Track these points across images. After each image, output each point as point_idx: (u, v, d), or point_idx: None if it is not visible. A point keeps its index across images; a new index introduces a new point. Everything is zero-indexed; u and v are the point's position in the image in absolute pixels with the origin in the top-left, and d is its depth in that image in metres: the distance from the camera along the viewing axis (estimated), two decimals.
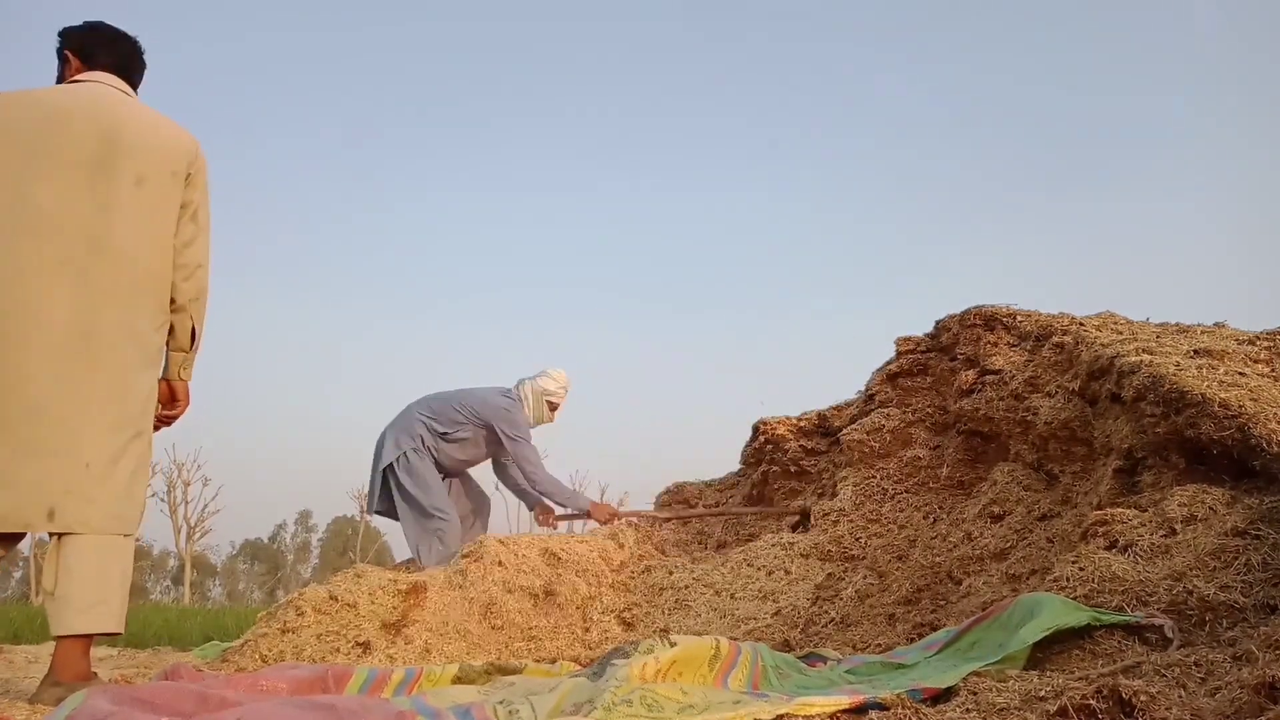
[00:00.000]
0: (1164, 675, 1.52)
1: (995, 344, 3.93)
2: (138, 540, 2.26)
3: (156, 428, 2.28)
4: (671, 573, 3.81)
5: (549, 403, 4.56)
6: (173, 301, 2.21)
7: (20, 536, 2.14)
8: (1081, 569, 2.11)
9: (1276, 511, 2.01)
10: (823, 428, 4.88)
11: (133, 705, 1.57)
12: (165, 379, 2.27)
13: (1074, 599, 1.99)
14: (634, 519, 4.64)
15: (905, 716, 1.53)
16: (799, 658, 2.40)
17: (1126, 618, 1.85)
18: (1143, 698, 1.29)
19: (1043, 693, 1.49)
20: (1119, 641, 1.79)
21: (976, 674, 1.73)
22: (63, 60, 2.23)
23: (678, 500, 5.85)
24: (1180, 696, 1.37)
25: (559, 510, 4.70)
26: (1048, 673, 1.70)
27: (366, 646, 3.17)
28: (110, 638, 2.27)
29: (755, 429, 5.24)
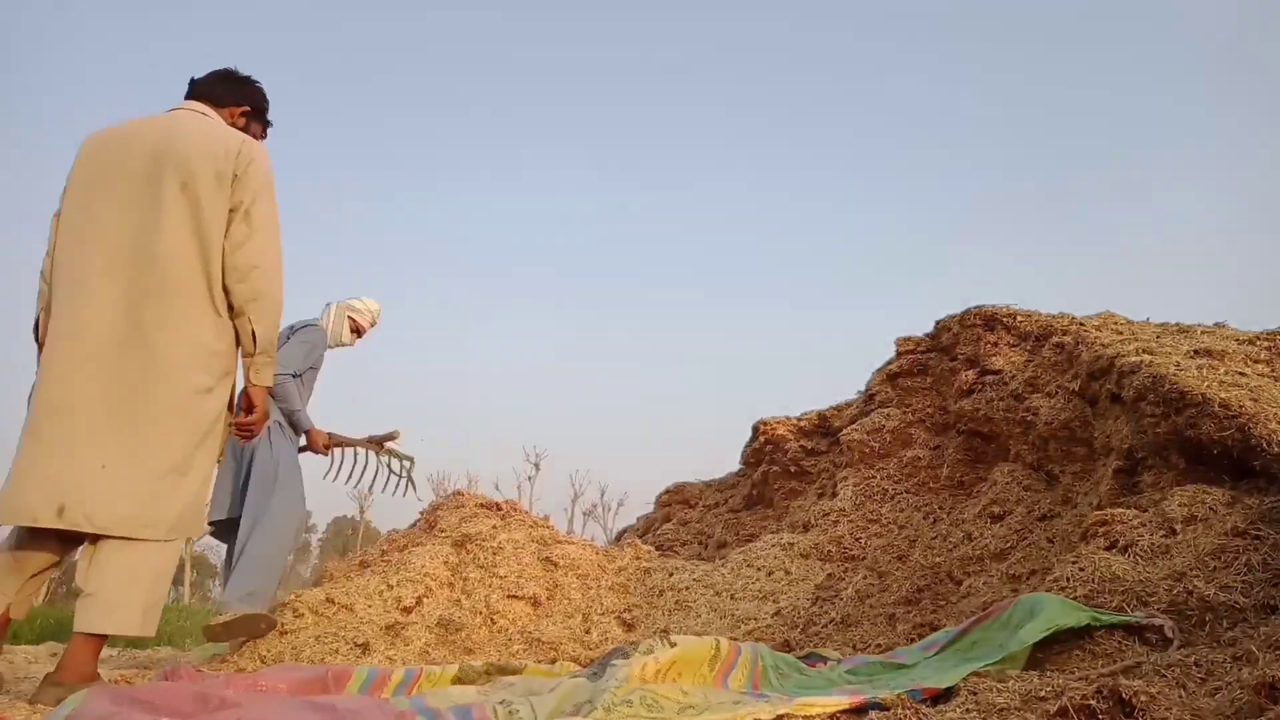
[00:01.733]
0: (1164, 675, 1.52)
1: (995, 344, 3.93)
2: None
3: (243, 435, 2.30)
4: (671, 574, 3.82)
5: (351, 319, 4.03)
6: (232, 307, 2.19)
7: (74, 539, 2.14)
8: (1082, 569, 2.11)
9: (1277, 512, 2.01)
10: (823, 428, 4.89)
11: (133, 706, 1.58)
12: (245, 386, 2.26)
13: (1074, 599, 1.99)
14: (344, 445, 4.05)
15: (906, 717, 1.53)
16: (799, 658, 2.40)
17: (1126, 618, 1.86)
18: (1143, 698, 1.30)
19: (1043, 693, 1.50)
20: (1119, 642, 1.79)
21: (977, 674, 1.73)
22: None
23: (677, 500, 5.86)
24: (1180, 697, 1.37)
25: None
26: (1048, 673, 1.71)
27: (365, 648, 3.17)
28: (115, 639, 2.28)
29: (755, 429, 5.24)
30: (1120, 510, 2.37)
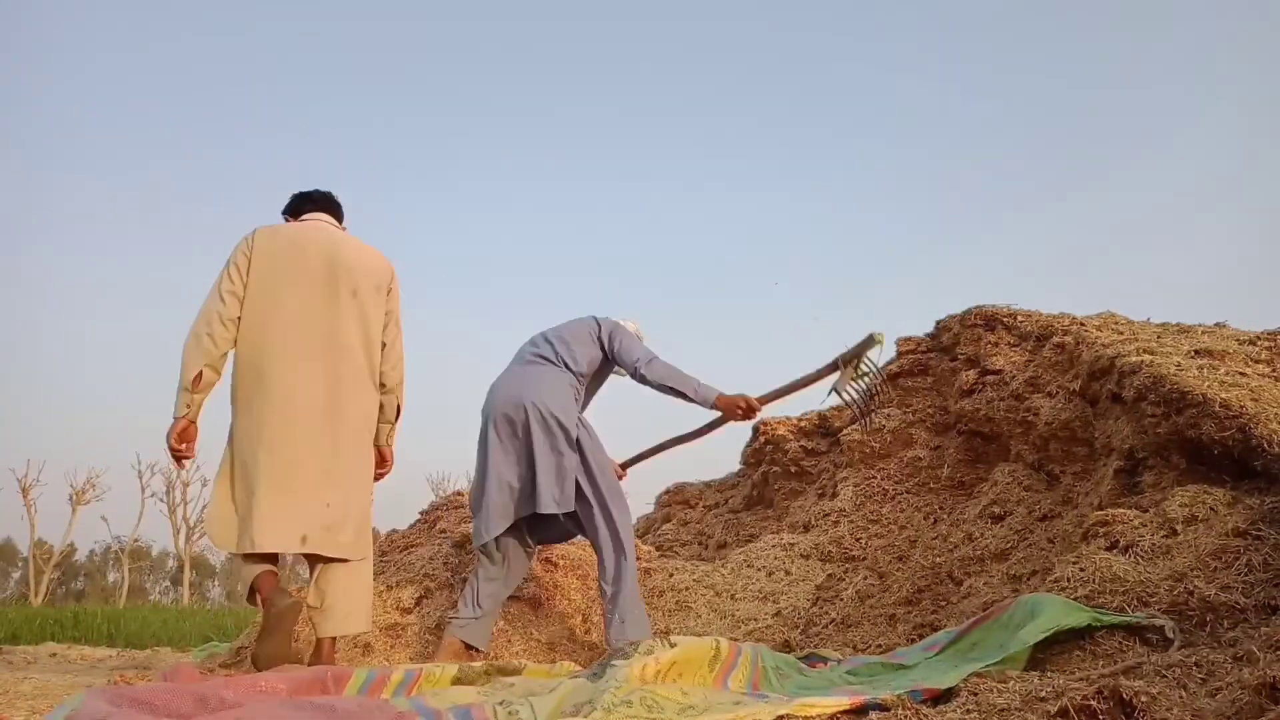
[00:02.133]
0: (1165, 676, 1.52)
1: (996, 344, 3.93)
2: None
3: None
4: (672, 575, 3.81)
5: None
6: (383, 385, 2.83)
7: (276, 557, 2.69)
8: (1082, 569, 2.11)
9: (1277, 512, 2.01)
10: (823, 428, 4.89)
11: (132, 706, 1.57)
12: (377, 445, 2.85)
13: (1075, 599, 1.99)
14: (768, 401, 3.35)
15: (906, 717, 1.53)
16: (799, 658, 2.40)
17: (1127, 619, 1.85)
18: (1143, 698, 1.29)
19: (1043, 693, 1.49)
20: (1120, 642, 1.79)
21: (977, 675, 1.73)
22: (286, 217, 2.95)
23: (677, 500, 5.86)
24: (1181, 697, 1.37)
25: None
26: (1048, 673, 1.70)
27: (365, 648, 3.17)
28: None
29: (755, 429, 5.24)
30: (1121, 510, 2.36)
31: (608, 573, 2.98)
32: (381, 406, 2.84)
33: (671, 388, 3.15)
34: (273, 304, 2.62)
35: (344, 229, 2.92)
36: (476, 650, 3.00)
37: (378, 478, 2.86)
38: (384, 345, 2.82)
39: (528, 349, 3.29)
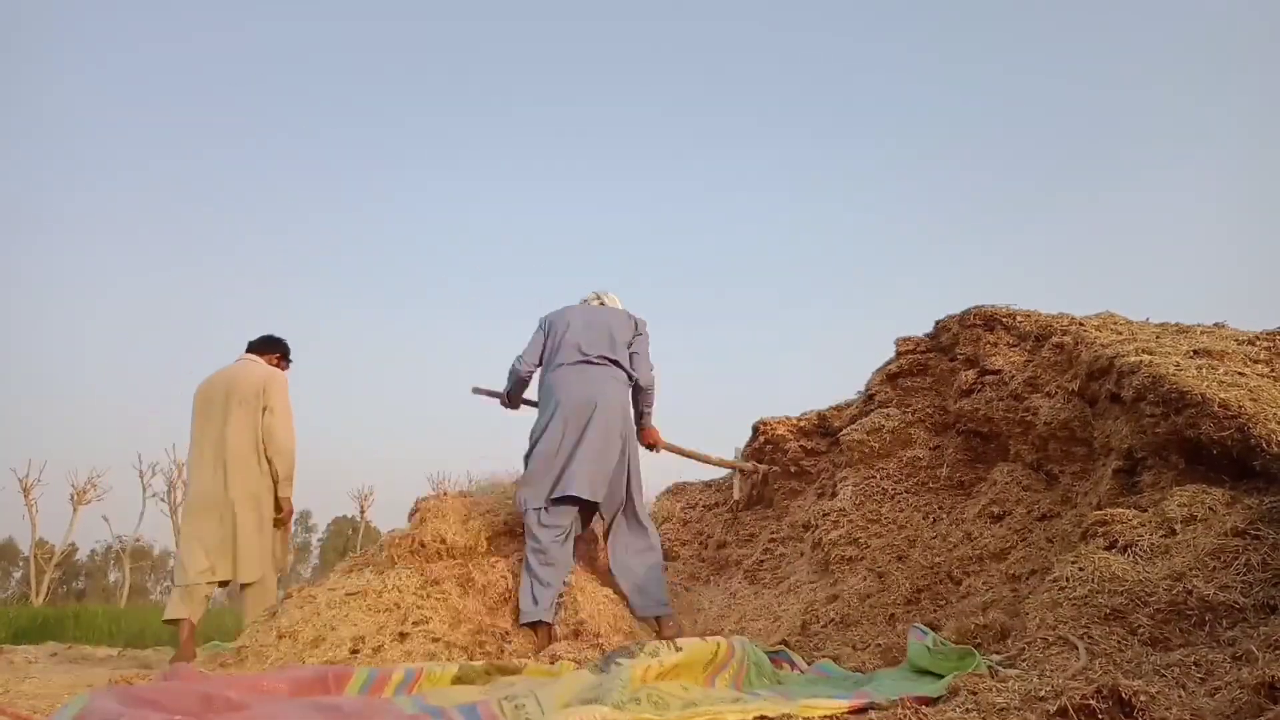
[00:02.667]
0: (1164, 675, 1.52)
1: (995, 344, 3.93)
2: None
3: (276, 527, 4.18)
4: (675, 577, 3.81)
5: None
6: (268, 459, 4.09)
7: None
8: (1081, 569, 2.11)
9: (1276, 511, 2.01)
10: (823, 428, 4.88)
11: (140, 705, 1.58)
12: (276, 498, 4.14)
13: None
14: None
15: (905, 717, 1.54)
16: (767, 652, 2.42)
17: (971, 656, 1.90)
18: (1142, 698, 1.30)
19: (1042, 693, 1.50)
20: (1119, 641, 1.79)
21: (976, 674, 1.73)
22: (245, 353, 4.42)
23: (677, 500, 5.84)
24: (1180, 696, 1.37)
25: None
26: (1047, 672, 1.71)
27: (376, 649, 3.16)
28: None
29: (755, 429, 5.23)
30: (1120, 510, 2.36)
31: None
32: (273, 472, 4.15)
33: (647, 401, 3.59)
34: (198, 431, 4.13)
35: (256, 359, 4.27)
36: (549, 625, 3.20)
37: (278, 523, 4.14)
38: (264, 434, 4.06)
39: (586, 343, 3.55)
